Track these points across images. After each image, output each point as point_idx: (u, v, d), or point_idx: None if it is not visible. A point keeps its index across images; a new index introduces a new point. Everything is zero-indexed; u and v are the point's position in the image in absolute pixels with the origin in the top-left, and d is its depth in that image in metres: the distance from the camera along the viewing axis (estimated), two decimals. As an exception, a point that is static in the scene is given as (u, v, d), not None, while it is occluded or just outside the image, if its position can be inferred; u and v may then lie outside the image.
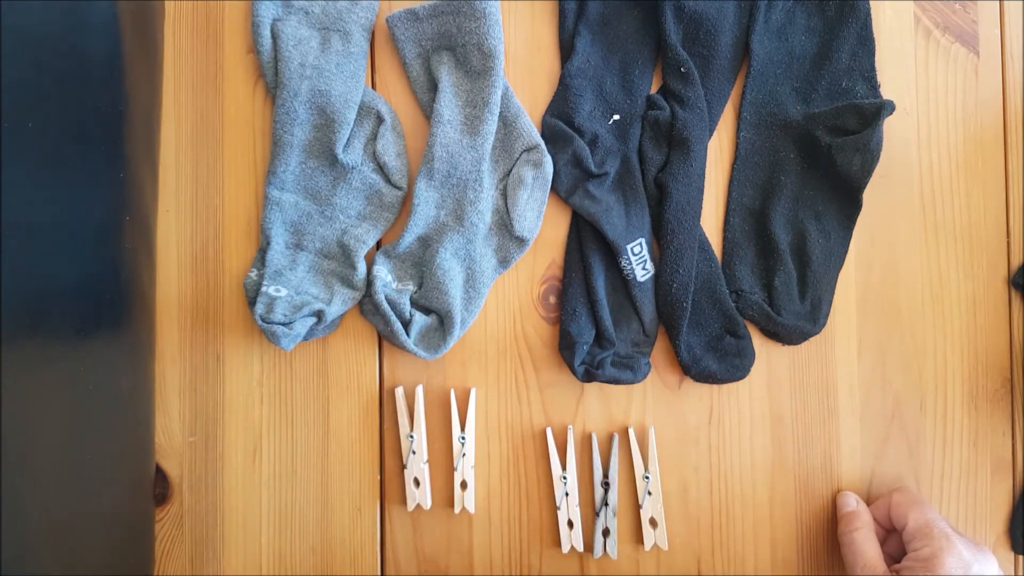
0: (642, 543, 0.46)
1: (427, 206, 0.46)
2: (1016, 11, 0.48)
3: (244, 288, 0.45)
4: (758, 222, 0.47)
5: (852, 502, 0.46)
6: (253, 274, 0.45)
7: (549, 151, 0.46)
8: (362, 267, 0.45)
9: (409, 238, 0.45)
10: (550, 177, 0.46)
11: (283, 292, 0.44)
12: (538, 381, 0.47)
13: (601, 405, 0.47)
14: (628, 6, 0.47)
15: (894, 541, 0.44)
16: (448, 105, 0.45)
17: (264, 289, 0.44)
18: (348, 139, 0.46)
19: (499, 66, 0.45)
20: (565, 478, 0.46)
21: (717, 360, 0.46)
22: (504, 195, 0.46)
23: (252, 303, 0.45)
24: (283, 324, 0.43)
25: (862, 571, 0.42)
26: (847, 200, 0.46)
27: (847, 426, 0.47)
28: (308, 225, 0.46)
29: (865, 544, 0.43)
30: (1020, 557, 0.47)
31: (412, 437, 0.46)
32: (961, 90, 0.48)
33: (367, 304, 0.46)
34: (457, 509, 0.46)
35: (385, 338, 0.47)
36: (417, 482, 0.46)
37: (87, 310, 0.41)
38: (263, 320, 0.43)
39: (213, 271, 0.48)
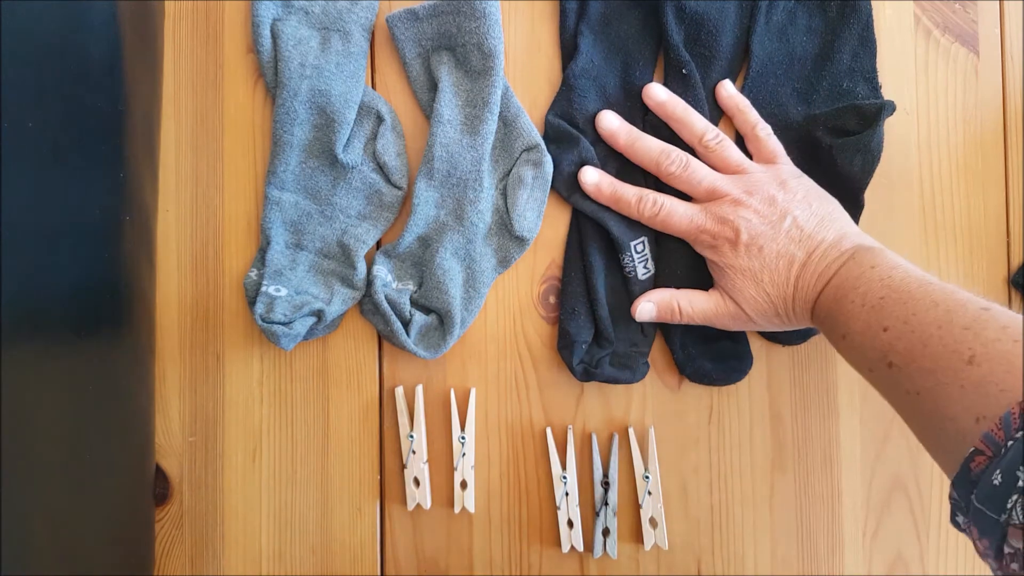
0: (642, 543, 0.46)
1: (427, 206, 0.46)
2: (1016, 11, 0.48)
3: (244, 288, 0.45)
4: (758, 222, 0.47)
5: (651, 307, 0.44)
6: (253, 274, 0.45)
7: (553, 151, 0.46)
8: (362, 267, 0.45)
9: (409, 238, 0.46)
10: (550, 177, 0.46)
11: (283, 292, 0.44)
12: (538, 381, 0.47)
13: (601, 405, 0.47)
14: (629, 6, 0.47)
15: None
16: (448, 105, 0.45)
17: (264, 289, 0.44)
18: (348, 139, 0.46)
19: (499, 66, 0.45)
20: (565, 478, 0.46)
21: (713, 361, 0.46)
22: (504, 195, 0.46)
23: (252, 303, 0.45)
24: (283, 324, 0.43)
25: (714, 323, 0.43)
26: (848, 200, 0.46)
27: (847, 426, 0.47)
28: (308, 225, 0.46)
29: (699, 309, 0.43)
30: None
31: (412, 437, 0.46)
32: (961, 90, 0.48)
33: (367, 304, 0.46)
34: (457, 509, 0.46)
35: (385, 338, 0.47)
36: (417, 482, 0.46)
37: (87, 310, 0.41)
38: (263, 320, 0.43)
39: (213, 271, 0.48)
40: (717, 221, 0.41)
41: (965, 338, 0.31)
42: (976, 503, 0.28)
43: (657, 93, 0.45)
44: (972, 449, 0.29)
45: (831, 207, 0.41)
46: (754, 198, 0.40)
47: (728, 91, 0.46)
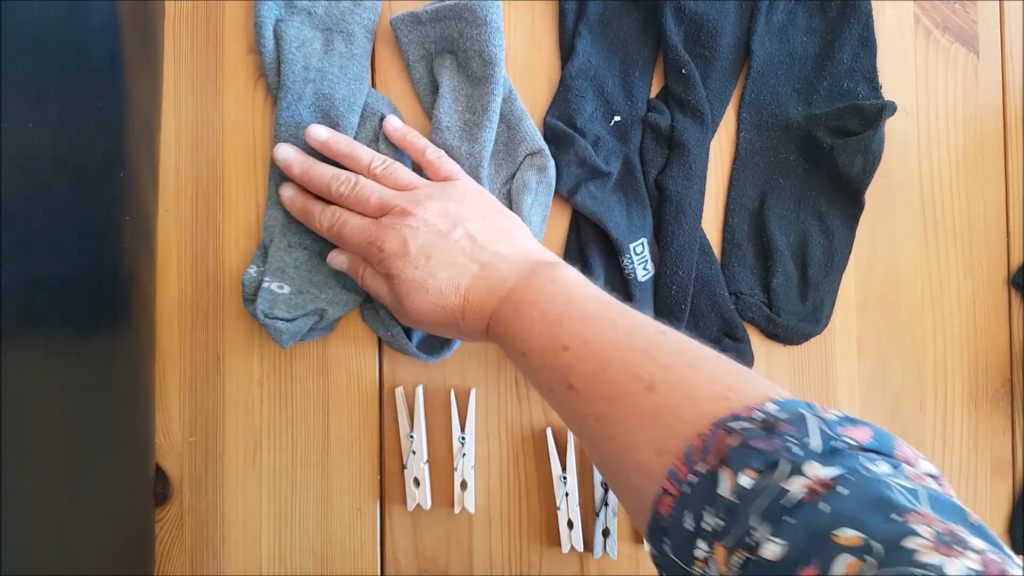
0: (642, 543, 0.46)
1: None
2: (1016, 11, 0.48)
3: (242, 284, 0.45)
4: (758, 223, 0.47)
5: (340, 260, 0.43)
6: (252, 270, 0.45)
7: (552, 152, 0.46)
8: None
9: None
10: (554, 182, 0.46)
11: (286, 289, 0.44)
12: (538, 381, 0.47)
13: (601, 405, 0.47)
14: (628, 6, 0.47)
15: None
16: (447, 112, 0.45)
17: (266, 285, 0.44)
18: (349, 140, 0.46)
19: (499, 73, 0.44)
20: (565, 478, 0.46)
21: (717, 360, 0.46)
22: (508, 199, 0.46)
23: (249, 299, 0.45)
24: (287, 320, 0.43)
25: (389, 309, 0.41)
26: (849, 200, 0.46)
27: (847, 426, 0.47)
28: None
29: (373, 286, 0.41)
30: (1020, 557, 0.47)
31: (412, 437, 0.46)
32: (961, 90, 0.48)
33: (367, 309, 0.46)
34: (457, 509, 0.46)
35: (386, 343, 0.47)
36: (417, 482, 0.46)
37: (87, 310, 0.41)
38: (265, 315, 0.43)
39: (213, 271, 0.48)
40: (385, 230, 0.38)
41: (644, 362, 0.29)
42: (672, 555, 0.25)
43: (318, 133, 0.43)
44: (660, 490, 0.26)
45: (511, 223, 0.40)
46: (424, 208, 0.38)
47: (393, 125, 0.44)
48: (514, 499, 0.47)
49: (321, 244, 0.46)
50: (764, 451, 0.24)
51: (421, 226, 0.38)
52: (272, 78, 0.46)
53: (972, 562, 0.18)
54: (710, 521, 0.24)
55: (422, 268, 0.37)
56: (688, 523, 0.24)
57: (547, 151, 0.46)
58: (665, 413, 0.27)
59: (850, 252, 0.46)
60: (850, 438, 0.24)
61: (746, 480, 0.23)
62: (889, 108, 0.44)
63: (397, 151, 0.47)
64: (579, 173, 0.46)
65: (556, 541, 0.46)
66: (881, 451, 0.24)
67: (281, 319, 0.43)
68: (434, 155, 0.43)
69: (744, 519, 0.23)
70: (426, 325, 0.40)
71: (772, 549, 0.21)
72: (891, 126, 0.46)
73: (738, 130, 0.48)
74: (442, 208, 0.39)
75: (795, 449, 0.23)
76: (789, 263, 0.46)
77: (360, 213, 0.41)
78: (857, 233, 0.47)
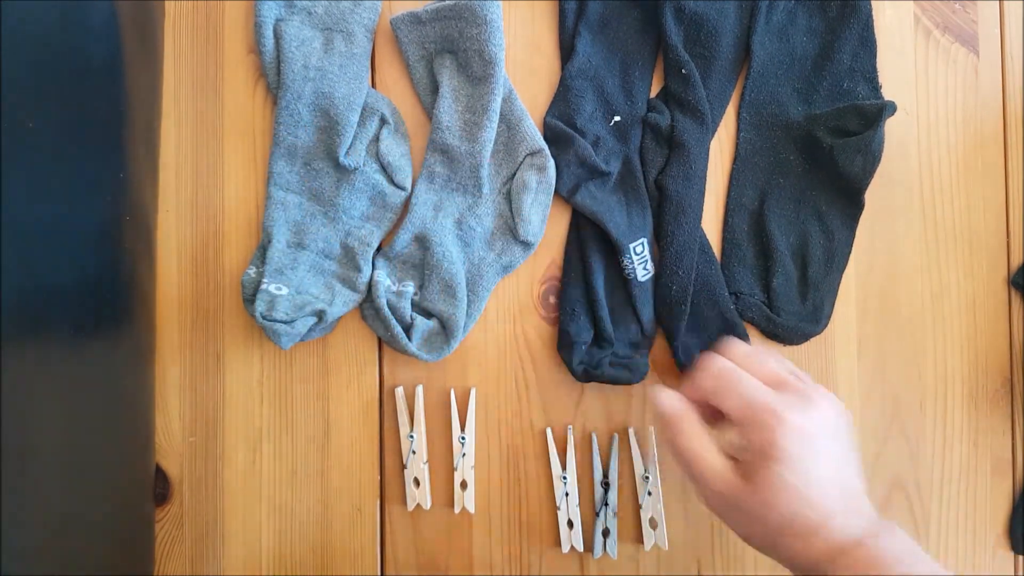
0: (642, 543, 0.46)
1: (424, 207, 0.46)
2: (1016, 11, 0.48)
3: (241, 285, 0.45)
4: (758, 223, 0.47)
5: (676, 403, 0.37)
6: (252, 271, 0.45)
7: (552, 152, 0.46)
8: (367, 269, 0.45)
9: (405, 236, 0.46)
10: (554, 181, 0.46)
11: (284, 290, 0.44)
12: (538, 381, 0.47)
13: (601, 405, 0.47)
14: (628, 7, 0.47)
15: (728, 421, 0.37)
16: (447, 111, 0.45)
17: (264, 287, 0.44)
18: (351, 141, 0.46)
19: (499, 73, 0.44)
20: (565, 478, 0.46)
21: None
22: (508, 199, 0.46)
23: (249, 300, 0.45)
24: (285, 322, 0.43)
25: (710, 484, 0.35)
26: (849, 201, 0.46)
27: (847, 426, 0.47)
28: (311, 225, 0.46)
29: (703, 453, 0.35)
30: (1020, 557, 0.47)
31: (412, 437, 0.46)
32: (961, 90, 0.48)
33: (367, 310, 0.46)
34: (457, 509, 0.46)
35: (386, 343, 0.47)
36: (417, 482, 0.46)
37: (87, 310, 0.41)
38: (264, 318, 0.43)
39: (213, 271, 0.48)
40: (790, 403, 0.34)
41: None
42: None
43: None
44: None
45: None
46: (826, 405, 0.35)
47: (740, 350, 0.39)
48: (514, 499, 0.47)
49: (321, 244, 0.46)
50: None
51: (824, 423, 0.34)
52: (272, 78, 0.46)
53: None
54: None
55: (814, 467, 0.33)
56: None
57: (547, 151, 0.46)
58: None
59: (850, 252, 0.46)
60: None
61: None
62: (889, 108, 0.44)
63: (399, 155, 0.47)
64: (579, 173, 0.46)
65: (556, 541, 0.46)
66: None
67: (279, 321, 0.43)
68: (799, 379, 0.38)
69: None
70: (756, 526, 0.34)
71: None
72: (891, 126, 0.46)
73: (738, 130, 0.48)
74: (836, 419, 0.35)
75: None
76: (789, 263, 0.46)
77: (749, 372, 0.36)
78: (857, 233, 0.47)
